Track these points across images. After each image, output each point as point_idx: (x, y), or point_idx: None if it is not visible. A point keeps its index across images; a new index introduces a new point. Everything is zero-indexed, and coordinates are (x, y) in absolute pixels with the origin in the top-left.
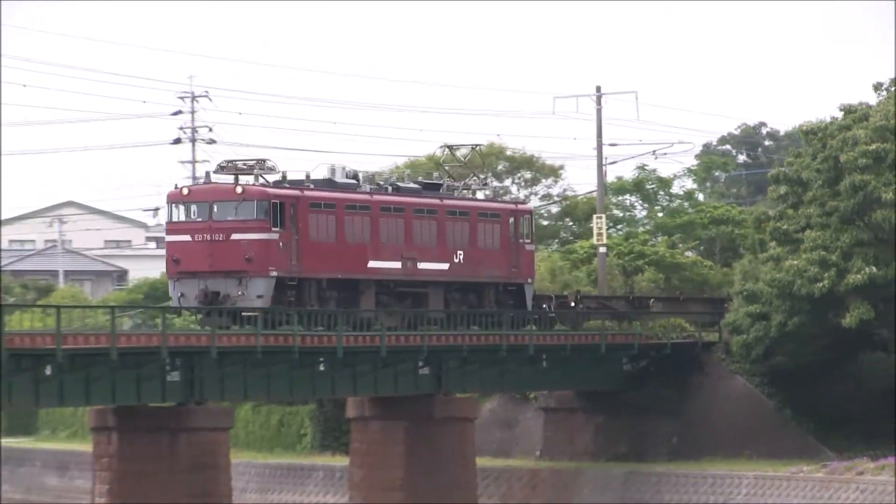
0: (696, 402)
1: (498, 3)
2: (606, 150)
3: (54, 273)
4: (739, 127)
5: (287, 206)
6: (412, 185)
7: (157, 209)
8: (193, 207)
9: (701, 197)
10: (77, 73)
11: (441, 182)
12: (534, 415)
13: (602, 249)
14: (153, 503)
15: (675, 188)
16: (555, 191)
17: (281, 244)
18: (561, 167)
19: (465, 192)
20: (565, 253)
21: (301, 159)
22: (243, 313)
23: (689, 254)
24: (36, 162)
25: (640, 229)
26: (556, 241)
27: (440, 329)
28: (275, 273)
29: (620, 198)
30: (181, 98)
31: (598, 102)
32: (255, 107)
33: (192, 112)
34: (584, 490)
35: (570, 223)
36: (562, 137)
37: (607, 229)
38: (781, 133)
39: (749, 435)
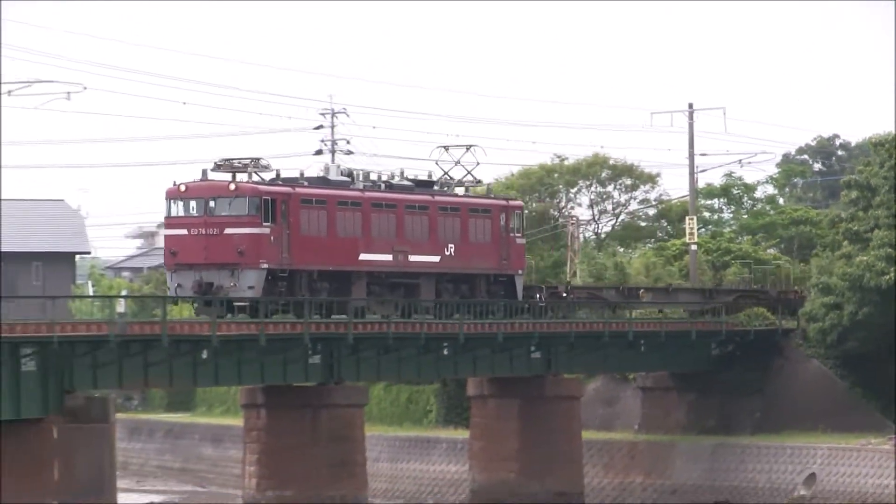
0: (776, 383)
1: (600, 30)
2: (697, 160)
3: None
4: (815, 139)
5: (279, 203)
6: (405, 182)
7: None
8: (190, 203)
9: (781, 201)
10: (229, 92)
11: (434, 180)
12: (632, 393)
13: (693, 247)
14: (297, 471)
15: (758, 193)
16: (652, 195)
17: (272, 238)
18: (657, 175)
19: (458, 188)
20: (658, 250)
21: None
22: (235, 303)
23: (770, 251)
24: (194, 172)
25: (727, 230)
26: (653, 239)
27: (545, 317)
28: (265, 265)
29: (710, 202)
30: (322, 114)
31: (690, 118)
32: (388, 121)
33: (332, 127)
34: (677, 460)
35: (665, 224)
36: (658, 148)
37: (698, 229)
38: (853, 144)
39: (823, 411)
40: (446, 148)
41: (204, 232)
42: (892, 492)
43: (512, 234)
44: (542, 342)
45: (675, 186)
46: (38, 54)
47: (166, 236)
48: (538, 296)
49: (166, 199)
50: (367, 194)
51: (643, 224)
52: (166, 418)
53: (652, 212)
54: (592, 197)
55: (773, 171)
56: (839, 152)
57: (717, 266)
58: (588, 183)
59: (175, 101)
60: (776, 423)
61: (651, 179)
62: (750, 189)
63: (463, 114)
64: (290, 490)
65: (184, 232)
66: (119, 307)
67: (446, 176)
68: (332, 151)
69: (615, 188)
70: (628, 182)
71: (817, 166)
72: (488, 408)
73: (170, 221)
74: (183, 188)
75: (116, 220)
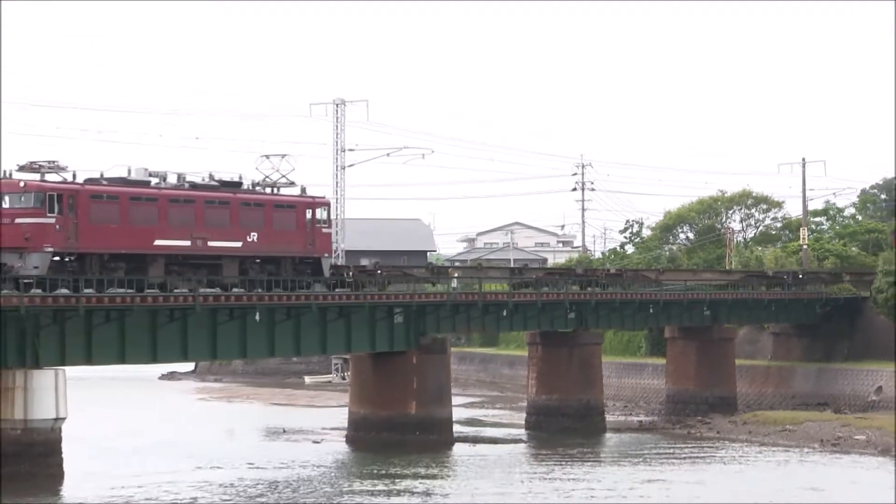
0: (858, 330)
1: (734, 102)
2: (808, 193)
3: (508, 260)
4: (882, 178)
5: (65, 197)
6: (212, 182)
7: (562, 226)
8: None
9: (860, 218)
10: (515, 151)
11: (240, 181)
12: (767, 336)
13: (804, 247)
14: (560, 384)
15: (846, 213)
16: (779, 215)
17: (57, 226)
18: (783, 202)
19: (275, 187)
20: (783, 249)
21: (653, 198)
22: (24, 280)
23: (853, 249)
24: (492, 202)
25: (826, 236)
26: (780, 242)
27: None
28: (50, 249)
29: (816, 219)
30: (576, 165)
31: (803, 167)
32: (619, 169)
33: (583, 174)
34: (795, 378)
35: (788, 232)
36: (783, 186)
37: (808, 236)
38: None
39: (888, 348)
40: (268, 157)
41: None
42: None
43: (318, 225)
44: (711, 304)
45: (794, 209)
46: (404, 130)
47: None
48: (346, 273)
49: None
50: (164, 191)
51: (773, 232)
52: (481, 350)
53: (779, 225)
54: (741, 216)
55: (854, 199)
56: None
57: (820, 258)
58: (739, 207)
59: (484, 158)
60: (858, 355)
61: (778, 205)
62: (840, 210)
63: (660, 164)
64: (556, 395)
65: None
66: (454, 283)
67: (268, 178)
68: (582, 189)
69: (756, 210)
70: (764, 206)
71: (883, 196)
72: (677, 345)
73: None
74: None
75: (451, 229)
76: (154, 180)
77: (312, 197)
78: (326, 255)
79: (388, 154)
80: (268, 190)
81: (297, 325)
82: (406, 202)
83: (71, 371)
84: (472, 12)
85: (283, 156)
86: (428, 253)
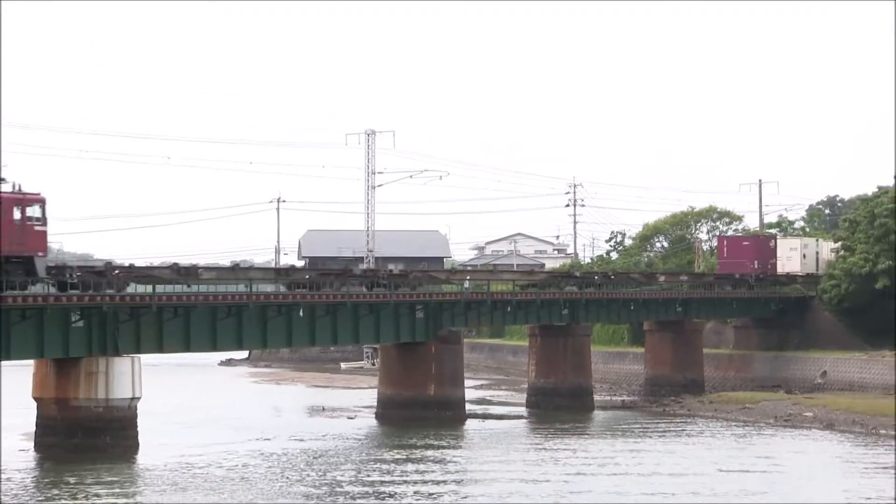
0: (806, 324)
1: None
2: (764, 208)
3: (511, 265)
4: (827, 196)
5: None
6: None
7: (558, 236)
8: None
9: (807, 229)
10: (517, 174)
11: None
12: (730, 329)
13: None
14: (555, 369)
15: (796, 225)
16: (740, 227)
17: None
18: (743, 216)
19: None
20: None
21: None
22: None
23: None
24: (498, 216)
25: None
26: None
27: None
28: None
29: (770, 230)
30: (569, 185)
31: (759, 188)
32: (605, 189)
33: (574, 193)
34: (754, 364)
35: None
36: (743, 202)
37: None
38: (846, 199)
39: (831, 338)
40: None
41: None
42: (867, 380)
43: (30, 223)
44: (683, 302)
45: (752, 222)
46: (425, 155)
47: None
48: (69, 274)
49: None
50: None
51: None
52: (489, 341)
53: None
54: (708, 227)
55: (803, 213)
56: (839, 203)
57: None
58: (706, 220)
59: (492, 179)
60: (806, 345)
61: (739, 218)
62: (791, 223)
63: (639, 184)
64: (552, 378)
65: None
66: (466, 284)
67: None
68: (574, 205)
69: (720, 223)
70: (727, 220)
71: (827, 211)
72: (654, 336)
73: None
74: None
75: (464, 239)
76: None
77: (22, 193)
78: (40, 253)
79: (411, 176)
80: None
81: (334, 319)
82: (426, 216)
83: (145, 358)
84: (484, 60)
85: None
86: (444, 259)
